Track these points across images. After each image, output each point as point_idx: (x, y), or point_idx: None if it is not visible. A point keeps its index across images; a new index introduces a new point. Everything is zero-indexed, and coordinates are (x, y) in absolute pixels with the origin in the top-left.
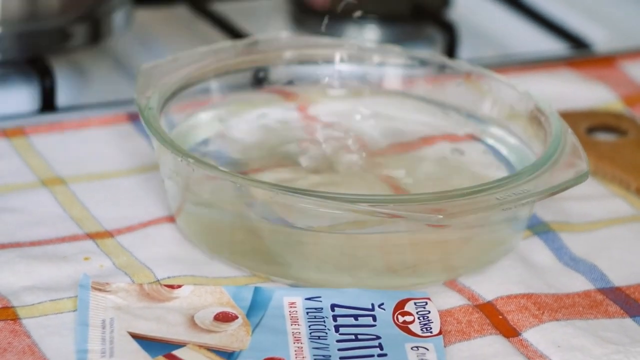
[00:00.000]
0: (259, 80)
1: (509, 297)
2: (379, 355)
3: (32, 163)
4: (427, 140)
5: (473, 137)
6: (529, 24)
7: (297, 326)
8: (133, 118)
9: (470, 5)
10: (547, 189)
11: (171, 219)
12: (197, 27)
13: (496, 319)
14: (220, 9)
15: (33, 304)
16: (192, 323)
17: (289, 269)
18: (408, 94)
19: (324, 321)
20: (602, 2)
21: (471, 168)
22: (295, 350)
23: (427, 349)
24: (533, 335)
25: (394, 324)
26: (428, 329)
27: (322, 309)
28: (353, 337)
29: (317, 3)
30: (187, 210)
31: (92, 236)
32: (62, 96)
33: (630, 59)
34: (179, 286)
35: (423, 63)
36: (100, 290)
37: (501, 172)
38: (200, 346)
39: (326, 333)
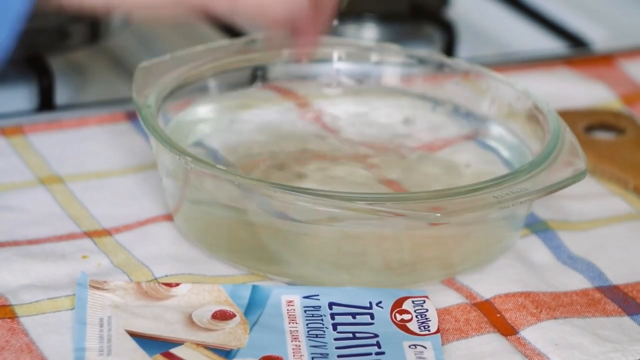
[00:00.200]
0: (256, 78)
1: (507, 295)
2: (377, 354)
3: (30, 161)
4: (425, 138)
5: (471, 136)
6: (527, 22)
7: (294, 324)
8: (131, 117)
9: (469, 4)
10: (545, 187)
11: (169, 217)
12: (194, 26)
13: (494, 317)
14: None
15: (31, 302)
16: (190, 321)
17: (287, 267)
18: (406, 93)
19: (322, 319)
20: (601, 1)
21: (469, 166)
22: (292, 349)
23: (425, 347)
24: (531, 334)
25: (391, 322)
26: (426, 327)
27: (319, 307)
28: (351, 335)
29: None
30: (185, 209)
31: (90, 234)
32: (61, 95)
33: (628, 57)
34: (177, 284)
35: (421, 62)
36: (98, 288)
37: (499, 171)
38: (198, 344)
39: (324, 331)
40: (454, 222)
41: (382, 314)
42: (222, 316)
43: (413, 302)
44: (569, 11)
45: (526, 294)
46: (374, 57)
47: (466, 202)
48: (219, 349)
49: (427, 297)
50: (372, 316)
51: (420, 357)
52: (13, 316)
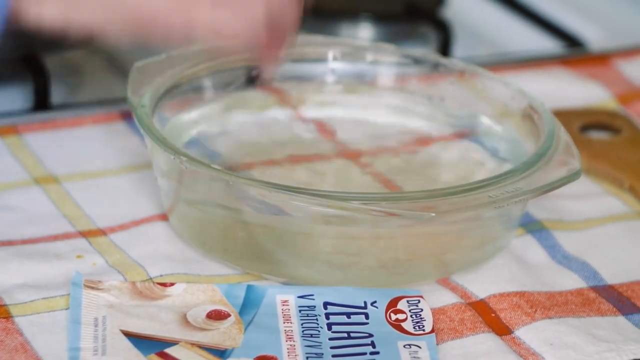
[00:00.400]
0: (252, 78)
1: (501, 295)
2: (372, 353)
3: (25, 161)
4: (420, 137)
5: (466, 135)
6: (523, 22)
7: (289, 324)
8: (126, 116)
9: (464, 4)
10: (540, 187)
11: (164, 217)
12: None
13: (489, 317)
14: None
15: (26, 302)
16: (185, 321)
17: (282, 267)
18: (402, 92)
19: (317, 319)
20: (596, 1)
21: (464, 166)
22: (287, 348)
23: (420, 347)
24: (526, 334)
25: (386, 322)
26: (421, 327)
27: (314, 306)
28: (345, 335)
29: None
30: (180, 208)
31: (85, 234)
32: (56, 94)
33: (624, 57)
34: (172, 284)
35: (417, 61)
36: (92, 288)
37: (494, 170)
38: (193, 344)
39: (319, 331)
40: (448, 222)
41: (377, 313)
42: (216, 316)
43: (408, 301)
44: (565, 11)
45: (521, 294)
46: (369, 56)
47: (460, 201)
48: (214, 348)
49: (421, 296)
50: (366, 316)
51: (414, 357)
52: (8, 316)
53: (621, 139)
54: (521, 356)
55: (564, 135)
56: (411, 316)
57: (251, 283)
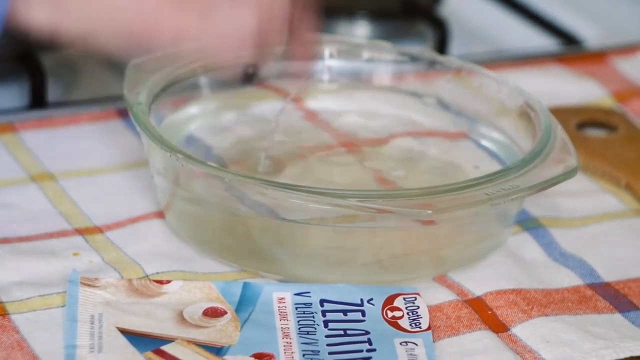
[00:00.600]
0: (248, 75)
1: (498, 292)
2: (368, 351)
3: (22, 159)
4: (416, 135)
5: (462, 133)
6: (519, 20)
7: (286, 321)
8: (123, 114)
9: (461, 1)
10: (536, 184)
11: (160, 214)
12: None
13: (485, 314)
14: None
15: (22, 300)
16: (181, 318)
17: (278, 265)
18: (398, 90)
19: (313, 316)
20: None
21: (460, 163)
22: (284, 346)
23: (416, 344)
24: (522, 331)
25: (383, 319)
26: (417, 324)
27: (311, 304)
28: (342, 332)
29: None
30: (177, 206)
31: (81, 232)
32: (52, 92)
33: (620, 55)
34: (168, 282)
35: (413, 59)
36: (89, 285)
37: (491, 168)
38: (189, 341)
39: (315, 328)
40: (445, 219)
41: (374, 311)
42: (213, 313)
43: (404, 299)
44: (561, 9)
45: (517, 291)
46: (366, 54)
47: (457, 199)
48: (210, 346)
49: (418, 294)
50: (363, 313)
51: (411, 354)
52: (4, 313)
53: (617, 137)
54: (517, 353)
55: (560, 133)
56: (408, 313)
57: (247, 280)
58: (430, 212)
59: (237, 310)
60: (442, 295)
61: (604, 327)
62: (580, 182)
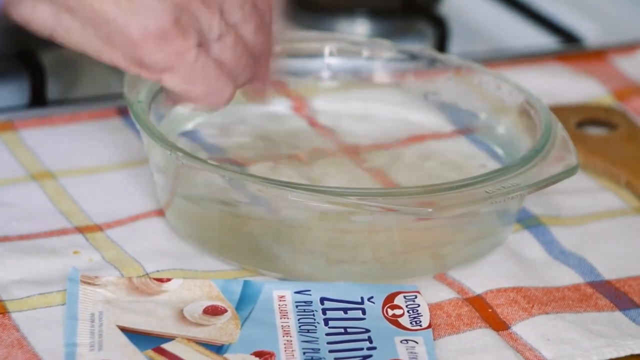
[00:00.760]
0: None
1: (498, 290)
2: (368, 349)
3: (22, 157)
4: (416, 133)
5: (462, 131)
6: (519, 18)
7: (286, 319)
8: (123, 112)
9: (461, 0)
10: (536, 182)
11: (160, 212)
12: None
13: (486, 312)
14: None
15: (22, 298)
16: (181, 316)
17: (278, 263)
18: (398, 88)
19: (314, 314)
20: None
21: (461, 161)
22: (284, 344)
23: (417, 343)
24: (523, 329)
25: (383, 318)
26: (417, 322)
27: (311, 302)
28: (342, 330)
29: None
30: (177, 204)
31: (81, 230)
32: (52, 90)
33: (620, 53)
34: (168, 280)
35: (413, 57)
36: (89, 283)
37: (491, 166)
38: (189, 340)
39: (315, 326)
40: (445, 217)
41: (374, 309)
42: (213, 311)
43: (405, 297)
44: (561, 7)
45: (518, 289)
46: (366, 52)
47: (458, 197)
48: (211, 344)
49: (418, 292)
50: (363, 311)
51: (411, 352)
52: (4, 311)
53: (617, 135)
54: (518, 351)
55: (560, 131)
56: (408, 311)
57: (248, 279)
58: (431, 210)
59: (238, 308)
60: (443, 294)
61: (604, 325)
62: (580, 180)
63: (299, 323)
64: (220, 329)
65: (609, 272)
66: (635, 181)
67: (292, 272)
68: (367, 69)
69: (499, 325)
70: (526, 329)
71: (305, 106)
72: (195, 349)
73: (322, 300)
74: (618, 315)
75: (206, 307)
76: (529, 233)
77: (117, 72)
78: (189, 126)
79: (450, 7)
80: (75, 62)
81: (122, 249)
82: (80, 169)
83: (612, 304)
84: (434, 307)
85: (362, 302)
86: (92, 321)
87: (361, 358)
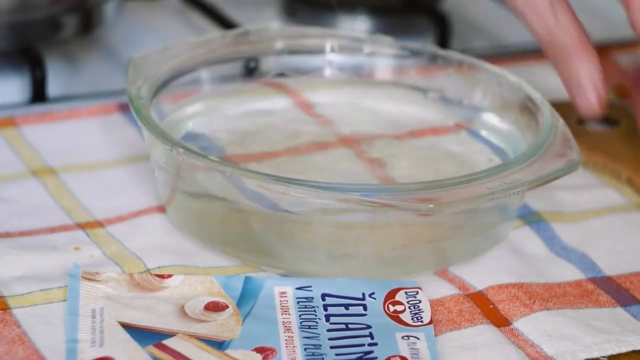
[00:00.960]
0: (249, 70)
1: (499, 286)
2: (370, 345)
3: (23, 153)
4: (418, 129)
5: (464, 127)
6: None
7: (287, 316)
8: (124, 108)
9: None
10: (538, 178)
11: (161, 208)
12: (187, 18)
13: (487, 308)
14: None
15: (23, 294)
16: (183, 313)
17: (280, 259)
18: (399, 84)
19: (315, 310)
20: None
21: (462, 158)
22: (285, 340)
23: (418, 339)
24: (524, 325)
25: (384, 314)
26: (419, 318)
27: (312, 298)
28: (344, 326)
29: None
30: (178, 200)
31: (82, 226)
32: (53, 86)
33: (622, 50)
34: (169, 276)
35: (414, 53)
36: (90, 279)
37: (492, 162)
38: (191, 336)
39: (317, 322)
40: (446, 213)
41: (375, 305)
42: (214, 307)
43: (406, 293)
44: None
45: (519, 285)
46: (367, 48)
47: (458, 193)
48: (212, 340)
49: (420, 288)
50: (364, 307)
51: (413, 348)
52: (5, 308)
53: (619, 131)
54: (519, 347)
55: (562, 127)
56: (409, 307)
57: (249, 275)
58: (431, 206)
59: (239, 304)
60: (444, 289)
61: (605, 321)
62: (581, 176)
63: (300, 319)
64: (222, 325)
65: (610, 268)
66: (636, 177)
67: (293, 268)
68: (368, 66)
69: (500, 321)
70: (527, 325)
71: (305, 102)
72: (196, 345)
73: (324, 296)
74: (619, 311)
75: (207, 303)
76: (530, 229)
77: (118, 68)
78: (191, 123)
79: (451, 3)
80: (76, 58)
81: (123, 245)
82: (81, 165)
83: (613, 300)
84: (435, 303)
85: (363, 298)
86: (93, 317)
87: (362, 354)
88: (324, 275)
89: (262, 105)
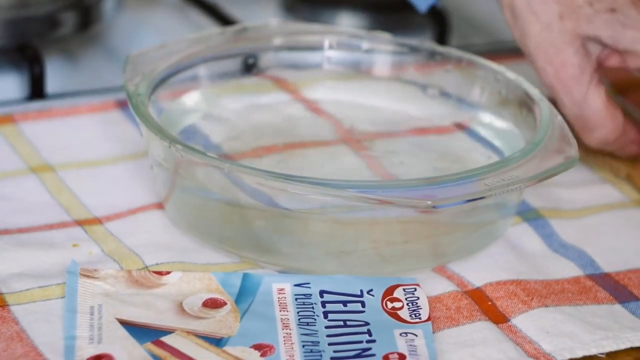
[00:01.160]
0: (248, 66)
1: (498, 283)
2: (368, 341)
3: (21, 150)
4: (416, 125)
5: (462, 124)
6: None
7: (285, 312)
8: (122, 105)
9: None
10: (536, 175)
11: (160, 205)
12: (186, 14)
13: (485, 305)
14: None
15: (21, 291)
16: (181, 309)
17: (278, 255)
18: (398, 81)
19: (313, 307)
20: None
21: (460, 154)
22: (283, 337)
23: (416, 335)
24: (522, 322)
25: (382, 310)
26: (417, 315)
27: (310, 295)
28: (342, 323)
29: None
30: (176, 197)
31: (80, 223)
32: (51, 83)
33: None
34: (168, 273)
35: (413, 50)
36: (88, 276)
37: (490, 158)
38: (189, 332)
39: (315, 319)
40: (444, 210)
41: (373, 302)
42: (212, 304)
43: (404, 290)
44: None
45: (517, 282)
46: (366, 45)
47: (457, 190)
48: (210, 337)
49: (418, 285)
50: (363, 304)
51: (411, 345)
52: (4, 304)
53: None
54: (518, 344)
55: (560, 124)
56: (407, 304)
57: (247, 271)
58: (430, 202)
59: (237, 301)
60: (442, 286)
61: (603, 317)
62: (580, 172)
63: (299, 316)
64: (220, 322)
65: (608, 264)
66: (634, 174)
67: (291, 264)
68: (366, 62)
69: (498, 318)
70: (526, 321)
71: (304, 98)
72: (194, 342)
73: (322, 293)
74: (617, 308)
75: (205, 300)
76: (529, 226)
77: (116, 65)
78: (189, 120)
79: (450, 0)
80: (75, 55)
81: (121, 242)
82: (80, 162)
83: (611, 297)
84: (433, 300)
85: (361, 295)
86: (92, 314)
87: (360, 351)
88: (322, 272)
89: (261, 102)
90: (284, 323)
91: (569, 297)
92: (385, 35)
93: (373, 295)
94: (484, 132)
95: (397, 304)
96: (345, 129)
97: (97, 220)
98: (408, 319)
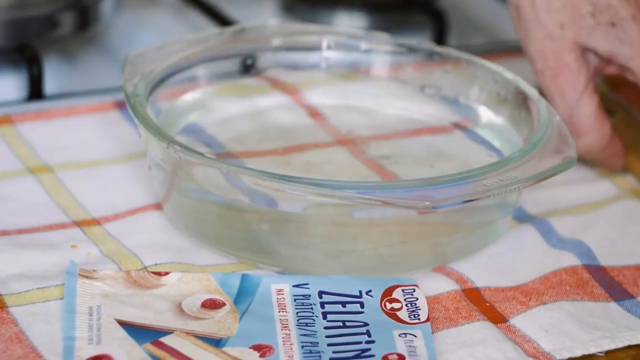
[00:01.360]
0: (246, 67)
1: (497, 283)
2: (367, 342)
3: (19, 151)
4: (415, 126)
5: (461, 124)
6: None
7: (284, 313)
8: (120, 105)
9: None
10: (535, 175)
11: (158, 206)
12: (185, 15)
13: (484, 305)
14: None
15: (20, 292)
16: (180, 310)
17: (277, 256)
18: (396, 81)
19: (312, 308)
20: None
21: (459, 154)
22: (282, 337)
23: (415, 336)
24: (521, 321)
25: (381, 311)
26: (416, 315)
27: (309, 295)
28: (341, 323)
29: None
30: (174, 198)
31: (79, 224)
32: (50, 84)
33: None
34: (166, 273)
35: (411, 50)
36: (87, 277)
37: (489, 158)
38: (188, 333)
39: (314, 320)
40: (443, 210)
41: (372, 302)
42: (211, 305)
43: (403, 290)
44: None
45: (516, 282)
46: (364, 45)
47: (455, 190)
48: (209, 337)
49: (417, 285)
50: (362, 305)
51: (410, 346)
52: (3, 306)
53: (614, 122)
54: (517, 344)
55: (558, 123)
56: (406, 305)
57: (246, 272)
58: (428, 203)
59: (236, 301)
60: (441, 287)
61: (600, 317)
62: (577, 169)
63: (298, 317)
64: (219, 323)
65: (604, 257)
66: (635, 163)
67: (290, 265)
68: (365, 62)
69: (497, 318)
70: (524, 321)
71: (303, 99)
72: (193, 343)
73: (321, 293)
74: (613, 306)
75: (204, 301)
76: (528, 224)
77: (115, 65)
78: (188, 120)
79: (449, 0)
80: (73, 55)
81: (120, 242)
82: (78, 163)
83: (607, 294)
84: (432, 301)
85: (360, 296)
86: (91, 315)
87: (359, 351)
88: (321, 273)
89: (259, 103)
90: (283, 324)
91: (567, 290)
92: (384, 36)
93: (372, 296)
94: (482, 133)
95: (396, 305)
96: (343, 130)
97: (96, 221)
98: (407, 319)
